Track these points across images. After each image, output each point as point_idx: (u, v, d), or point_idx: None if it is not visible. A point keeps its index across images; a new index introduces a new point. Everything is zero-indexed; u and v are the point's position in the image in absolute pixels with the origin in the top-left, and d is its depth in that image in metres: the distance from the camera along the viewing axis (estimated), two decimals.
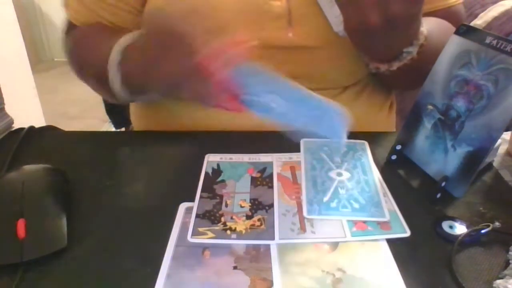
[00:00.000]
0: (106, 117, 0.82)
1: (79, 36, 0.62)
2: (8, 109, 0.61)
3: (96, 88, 0.61)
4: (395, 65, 0.53)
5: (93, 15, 0.60)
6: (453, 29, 0.59)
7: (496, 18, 0.81)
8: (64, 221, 0.42)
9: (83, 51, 0.60)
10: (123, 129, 0.84)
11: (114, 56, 0.50)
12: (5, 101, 0.60)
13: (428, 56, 0.52)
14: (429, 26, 0.55)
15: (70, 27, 0.64)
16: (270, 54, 0.56)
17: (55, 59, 3.16)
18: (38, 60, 3.07)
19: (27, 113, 1.72)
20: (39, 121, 1.39)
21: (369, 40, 0.51)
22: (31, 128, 0.60)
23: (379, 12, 0.46)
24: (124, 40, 0.50)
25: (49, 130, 0.62)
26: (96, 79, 0.57)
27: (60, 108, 2.40)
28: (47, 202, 0.43)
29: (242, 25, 0.55)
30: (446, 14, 0.62)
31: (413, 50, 0.51)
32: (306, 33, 0.55)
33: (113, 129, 0.87)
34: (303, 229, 0.42)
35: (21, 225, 0.39)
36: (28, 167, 0.47)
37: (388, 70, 0.54)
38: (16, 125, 0.61)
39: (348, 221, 0.43)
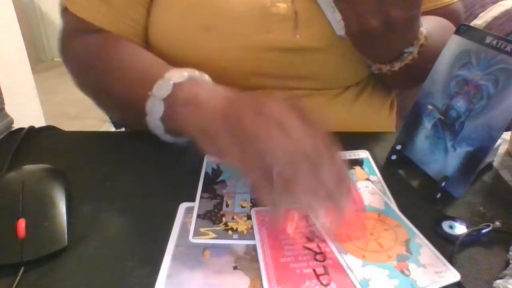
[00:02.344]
0: (106, 117, 0.81)
1: (99, 47, 0.56)
2: (8, 109, 0.61)
3: (115, 107, 0.57)
4: (397, 66, 0.54)
5: (94, 17, 0.56)
6: (452, 26, 0.59)
7: (496, 18, 0.81)
8: (64, 221, 0.42)
9: (100, 70, 0.55)
10: (123, 129, 0.84)
11: (162, 88, 0.44)
12: (5, 101, 0.60)
13: (429, 54, 0.52)
14: (428, 25, 0.55)
15: (73, 25, 0.59)
16: (276, 57, 0.56)
17: (55, 59, 3.16)
18: (38, 60, 3.07)
19: (27, 113, 1.72)
20: (39, 121, 1.39)
21: (370, 43, 0.51)
22: (31, 128, 0.60)
23: (378, 16, 0.46)
24: (176, 75, 0.45)
25: (49, 130, 0.62)
26: (120, 101, 0.53)
27: (60, 108, 2.40)
28: (47, 202, 0.43)
29: (249, 28, 0.55)
30: (444, 12, 0.62)
31: (414, 50, 0.52)
32: (313, 35, 0.56)
33: (113, 129, 0.87)
34: None
35: (21, 225, 0.39)
36: (28, 167, 0.47)
37: (390, 71, 0.54)
38: (16, 125, 0.61)
39: None
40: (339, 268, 0.37)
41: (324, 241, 0.40)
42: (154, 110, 0.45)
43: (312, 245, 0.40)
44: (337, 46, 0.56)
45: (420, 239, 0.40)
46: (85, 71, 0.58)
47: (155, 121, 0.46)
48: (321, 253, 0.39)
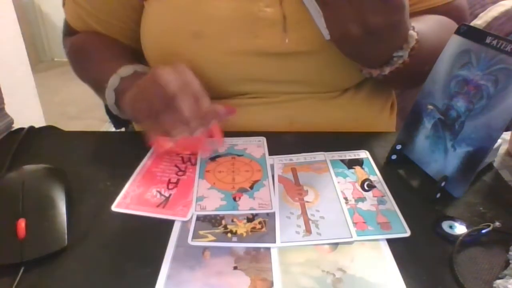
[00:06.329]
0: (106, 117, 0.81)
1: (78, 44, 0.67)
2: (8, 109, 0.61)
3: (94, 91, 0.66)
4: (387, 70, 0.53)
5: (88, 26, 0.65)
6: (454, 25, 0.58)
7: (496, 18, 0.81)
8: (64, 221, 0.42)
9: (83, 61, 0.67)
10: (123, 129, 0.84)
11: (113, 81, 0.57)
12: (5, 101, 0.60)
13: (424, 56, 0.52)
14: (424, 25, 0.55)
15: (69, 29, 0.68)
16: (266, 61, 0.56)
17: (55, 59, 3.15)
18: (38, 60, 3.07)
19: (27, 113, 1.72)
20: (39, 121, 1.38)
21: (355, 49, 0.51)
22: (31, 128, 0.60)
23: (359, 24, 0.46)
24: (124, 71, 0.57)
25: (49, 130, 0.62)
26: (94, 87, 0.65)
27: (60, 108, 2.39)
28: (47, 202, 0.43)
29: (238, 33, 0.55)
30: (447, 10, 0.61)
31: (404, 54, 0.51)
32: (302, 38, 0.55)
33: (113, 129, 0.87)
34: (308, 231, 0.42)
35: (21, 225, 0.39)
36: (28, 167, 0.47)
37: (380, 75, 0.54)
38: (16, 125, 0.61)
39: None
40: (190, 184, 0.48)
41: (194, 164, 0.51)
42: (109, 98, 0.58)
43: (182, 165, 0.51)
44: (328, 49, 0.55)
45: (268, 182, 0.48)
46: (76, 61, 0.69)
47: (111, 106, 0.59)
48: (183, 171, 0.50)
